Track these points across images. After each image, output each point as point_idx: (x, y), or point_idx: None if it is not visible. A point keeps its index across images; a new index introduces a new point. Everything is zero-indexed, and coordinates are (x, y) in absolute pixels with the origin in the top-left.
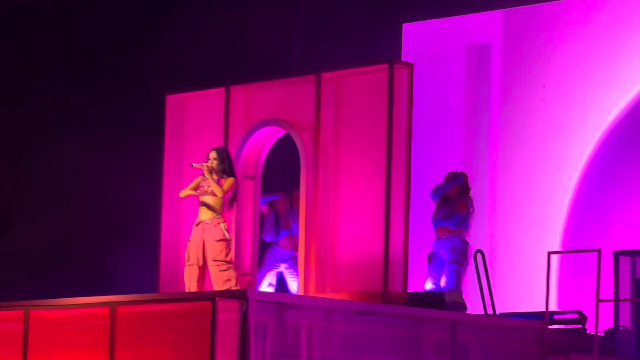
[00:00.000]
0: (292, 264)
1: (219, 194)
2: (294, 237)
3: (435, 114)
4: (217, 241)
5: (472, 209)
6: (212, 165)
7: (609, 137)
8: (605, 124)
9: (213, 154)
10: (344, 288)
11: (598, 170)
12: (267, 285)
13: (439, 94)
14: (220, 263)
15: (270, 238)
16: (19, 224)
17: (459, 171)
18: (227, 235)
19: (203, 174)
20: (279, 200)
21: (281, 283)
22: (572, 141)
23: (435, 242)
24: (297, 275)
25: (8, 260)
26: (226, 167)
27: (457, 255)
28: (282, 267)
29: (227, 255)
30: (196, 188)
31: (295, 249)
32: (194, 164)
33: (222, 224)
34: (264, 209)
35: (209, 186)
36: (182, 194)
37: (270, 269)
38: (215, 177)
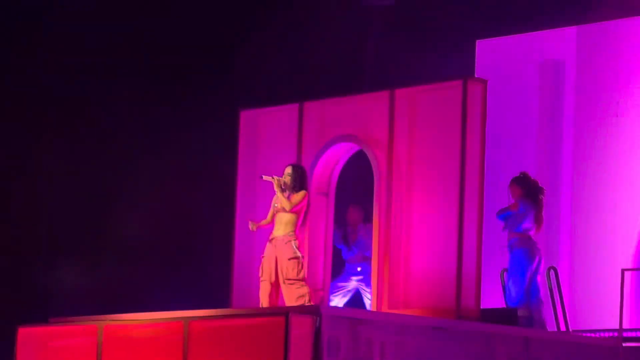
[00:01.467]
0: (366, 277)
1: (288, 207)
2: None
3: (509, 131)
4: (289, 260)
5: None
6: (286, 180)
7: None
8: None
9: (288, 170)
10: (417, 304)
11: None
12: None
13: (512, 111)
14: (292, 281)
15: (345, 255)
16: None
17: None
18: (297, 252)
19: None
20: (349, 212)
21: (356, 298)
22: None
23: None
24: (369, 289)
25: (107, 250)
26: (297, 184)
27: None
28: (354, 281)
29: (298, 273)
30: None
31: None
32: (263, 177)
33: (293, 242)
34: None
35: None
36: (269, 219)
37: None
38: (286, 193)
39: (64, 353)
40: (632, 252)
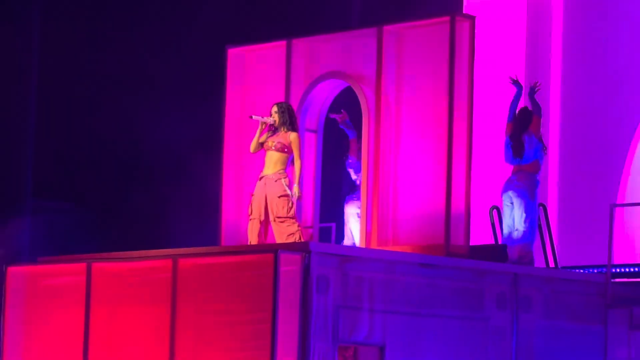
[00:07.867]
0: None
1: (297, 157)
2: None
3: (496, 68)
4: (279, 197)
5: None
6: (275, 119)
7: None
8: None
9: (274, 108)
10: (406, 241)
11: None
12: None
13: (500, 48)
14: (283, 219)
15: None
16: None
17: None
18: (288, 190)
19: (270, 129)
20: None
21: None
22: (635, 94)
23: None
24: None
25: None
26: (287, 120)
27: None
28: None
29: (289, 210)
30: (264, 142)
31: None
32: (253, 116)
33: (283, 180)
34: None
35: (274, 142)
36: (252, 148)
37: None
38: (278, 131)
39: (53, 292)
40: (621, 188)
